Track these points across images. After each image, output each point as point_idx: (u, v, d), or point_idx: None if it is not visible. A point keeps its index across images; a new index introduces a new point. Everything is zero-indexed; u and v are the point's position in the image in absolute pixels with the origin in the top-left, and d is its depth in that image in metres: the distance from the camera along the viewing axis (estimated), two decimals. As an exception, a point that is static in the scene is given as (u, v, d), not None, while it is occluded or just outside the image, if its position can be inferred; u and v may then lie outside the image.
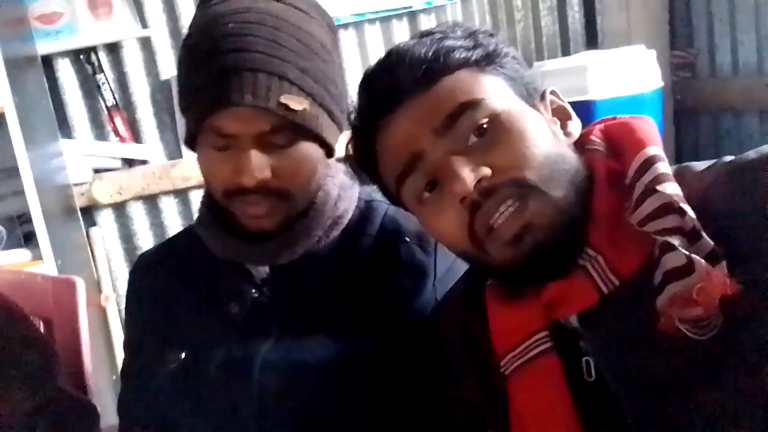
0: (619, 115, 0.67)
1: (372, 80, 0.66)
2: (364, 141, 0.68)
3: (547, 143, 0.60)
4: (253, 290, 0.82)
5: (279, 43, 0.71)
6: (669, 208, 0.55)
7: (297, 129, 0.73)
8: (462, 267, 0.76)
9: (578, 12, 2.35)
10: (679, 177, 0.58)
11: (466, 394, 0.72)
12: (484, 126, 0.60)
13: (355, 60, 2.22)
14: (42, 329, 1.20)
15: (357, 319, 0.79)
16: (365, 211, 0.86)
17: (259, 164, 0.72)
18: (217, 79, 0.70)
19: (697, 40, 2.19)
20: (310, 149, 0.76)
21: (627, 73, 1.85)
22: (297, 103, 0.72)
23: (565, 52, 2.35)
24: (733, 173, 0.57)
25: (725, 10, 2.03)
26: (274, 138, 0.73)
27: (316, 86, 0.74)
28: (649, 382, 0.57)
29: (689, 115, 2.23)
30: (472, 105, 0.60)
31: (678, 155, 2.26)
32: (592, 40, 2.36)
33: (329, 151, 0.81)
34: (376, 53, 2.22)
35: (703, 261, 0.51)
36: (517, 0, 2.35)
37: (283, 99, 0.71)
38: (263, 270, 0.82)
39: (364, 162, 0.70)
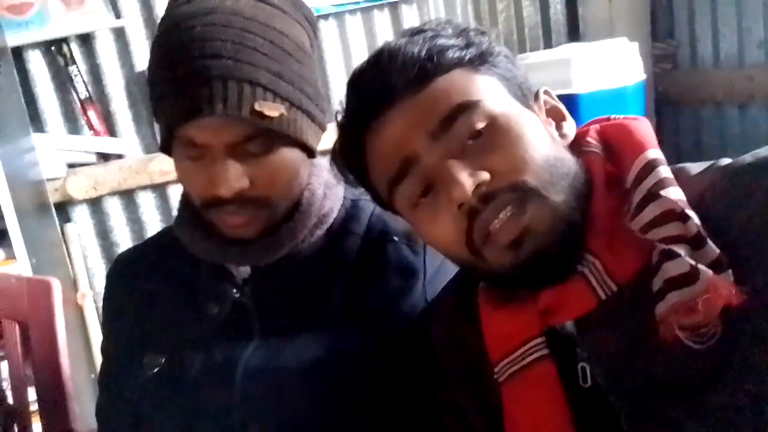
0: (613, 116, 0.65)
1: (362, 80, 0.64)
2: (353, 143, 0.65)
3: (545, 146, 0.58)
4: (234, 290, 0.80)
5: (248, 46, 0.68)
6: (671, 214, 0.53)
7: (273, 135, 0.71)
8: (452, 267, 0.75)
9: (560, 3, 2.35)
10: (675, 179, 0.57)
11: (456, 399, 0.71)
12: (481, 128, 0.58)
13: (336, 51, 2.19)
14: (18, 332, 1.17)
15: (342, 321, 0.78)
16: (351, 210, 0.84)
17: (235, 174, 0.69)
18: (185, 87, 0.67)
19: (679, 31, 2.20)
20: (290, 154, 0.74)
21: (610, 66, 1.85)
22: (272, 109, 0.68)
23: (548, 44, 2.35)
24: (730, 177, 0.56)
25: (707, 2, 2.04)
26: (250, 146, 0.70)
27: (291, 89, 0.71)
28: (646, 388, 0.56)
29: (670, 106, 2.24)
30: (469, 107, 0.58)
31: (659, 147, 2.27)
32: (574, 32, 2.36)
33: (310, 152, 0.78)
34: (358, 44, 2.21)
35: (709, 271, 0.50)
36: (500, -9, 2.34)
37: (257, 106, 0.67)
38: (244, 270, 0.80)
39: (352, 164, 0.68)
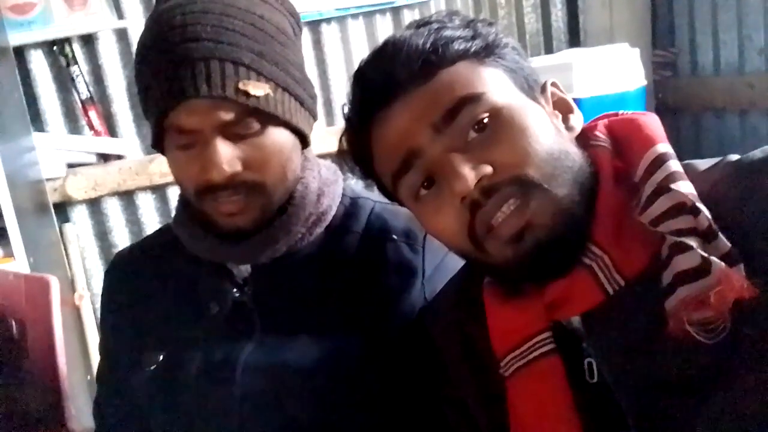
0: (621, 111, 0.65)
1: (367, 72, 0.63)
2: (359, 135, 0.65)
3: (549, 139, 0.58)
4: (234, 290, 0.79)
5: (228, 28, 0.69)
6: (682, 207, 0.53)
7: (262, 116, 0.70)
8: (451, 265, 0.75)
9: (561, 10, 2.36)
10: None
11: (459, 395, 0.70)
12: (485, 121, 0.58)
13: (338, 55, 2.19)
14: (15, 329, 1.16)
15: (342, 319, 0.77)
16: (350, 208, 0.84)
17: (227, 157, 0.69)
18: (168, 73, 0.67)
19: (679, 39, 2.21)
20: (281, 136, 0.73)
21: (612, 72, 1.85)
22: (257, 87, 0.69)
23: (548, 50, 2.35)
24: (740, 172, 0.56)
25: (707, 10, 2.04)
26: (239, 128, 0.70)
27: (275, 70, 0.71)
28: (653, 384, 0.56)
29: (670, 114, 2.24)
30: (473, 99, 0.58)
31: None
32: (574, 39, 2.37)
33: (303, 140, 0.78)
34: (360, 48, 2.21)
35: (721, 263, 0.50)
36: (501, -3, 2.35)
37: (242, 85, 0.68)
38: (244, 269, 0.80)
39: (358, 157, 0.68)
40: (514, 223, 0.56)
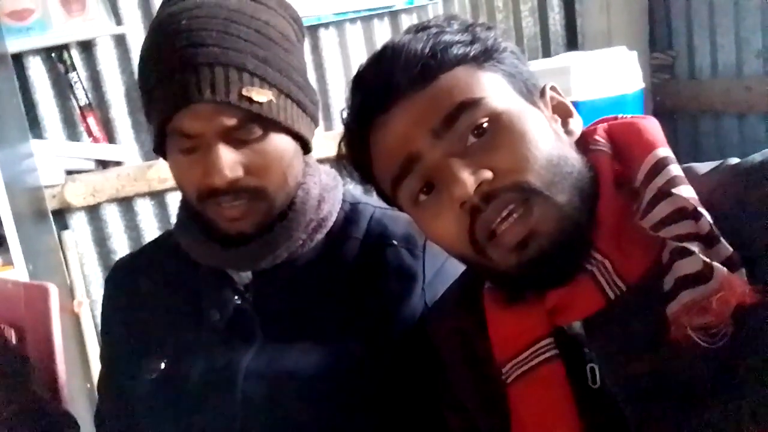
0: (621, 115, 0.65)
1: (366, 77, 0.63)
2: (358, 140, 0.65)
3: (549, 145, 0.58)
4: (236, 297, 0.79)
5: (233, 34, 0.69)
6: (683, 212, 0.53)
7: (264, 122, 0.71)
8: (452, 270, 0.75)
9: (559, 14, 2.36)
10: None
11: (460, 399, 0.70)
12: (484, 126, 0.58)
13: (336, 59, 2.20)
14: (14, 337, 1.15)
15: (343, 325, 0.77)
16: (350, 213, 0.84)
17: (229, 162, 0.69)
18: (173, 77, 0.68)
19: (677, 42, 2.21)
20: (282, 142, 0.74)
21: (609, 75, 1.85)
22: (260, 94, 0.69)
23: (546, 53, 2.36)
24: (740, 176, 0.56)
25: (704, 13, 2.04)
26: (241, 133, 0.70)
27: (278, 76, 0.72)
28: (655, 389, 0.56)
29: (668, 116, 2.25)
30: (472, 104, 0.58)
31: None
32: (572, 42, 2.37)
33: (305, 146, 0.78)
34: (358, 53, 2.22)
35: (723, 268, 0.50)
36: (498, 1, 2.35)
37: (245, 91, 0.68)
38: (245, 276, 0.80)
39: (358, 162, 0.67)
40: (518, 230, 0.56)
